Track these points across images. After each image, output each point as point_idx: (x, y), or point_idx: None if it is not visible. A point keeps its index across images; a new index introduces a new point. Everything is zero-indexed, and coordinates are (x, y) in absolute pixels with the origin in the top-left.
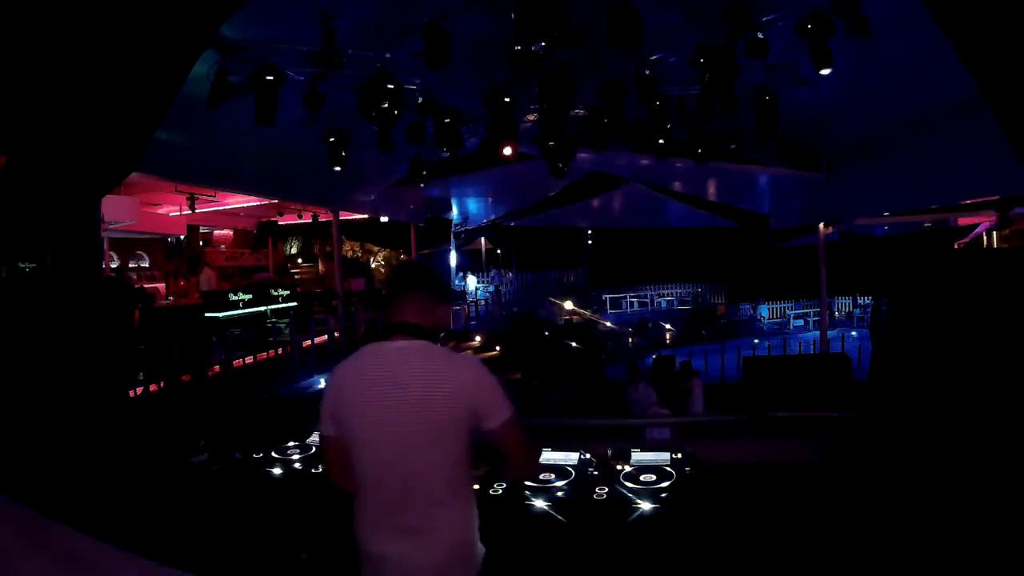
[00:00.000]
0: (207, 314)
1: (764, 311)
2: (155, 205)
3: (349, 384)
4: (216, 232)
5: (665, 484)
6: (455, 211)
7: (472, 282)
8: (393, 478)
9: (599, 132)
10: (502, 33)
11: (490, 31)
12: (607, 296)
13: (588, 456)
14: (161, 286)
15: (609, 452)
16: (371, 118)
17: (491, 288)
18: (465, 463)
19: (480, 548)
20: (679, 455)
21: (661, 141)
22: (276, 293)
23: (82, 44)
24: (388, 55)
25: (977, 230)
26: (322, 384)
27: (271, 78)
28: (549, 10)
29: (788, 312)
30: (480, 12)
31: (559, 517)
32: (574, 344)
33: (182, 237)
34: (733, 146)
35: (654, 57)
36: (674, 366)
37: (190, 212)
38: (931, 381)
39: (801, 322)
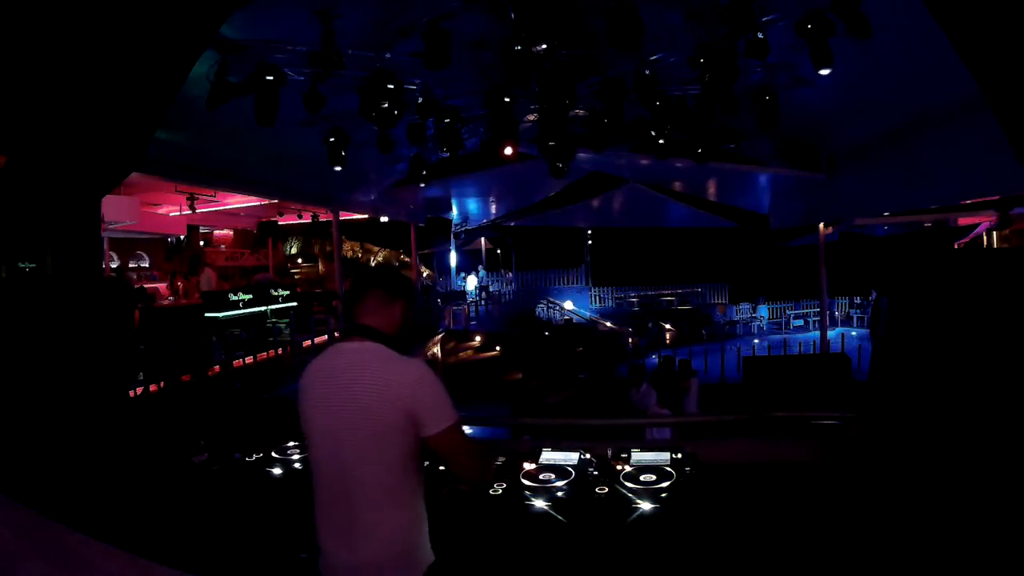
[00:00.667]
0: (207, 314)
1: (764, 311)
2: (155, 205)
3: (308, 384)
4: (216, 232)
5: (665, 484)
6: (455, 211)
7: (472, 282)
8: (338, 478)
9: (599, 132)
10: (502, 33)
11: (490, 31)
12: (607, 296)
13: (588, 456)
14: (161, 286)
15: (609, 452)
16: (371, 118)
17: (479, 286)
18: (410, 467)
19: (427, 554)
20: (679, 455)
21: (661, 141)
22: (276, 293)
23: (82, 44)
24: (388, 55)
25: (977, 230)
26: None
27: (271, 78)
28: (548, 11)
29: (788, 312)
30: (480, 12)
31: (559, 517)
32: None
33: (182, 237)
34: (733, 146)
35: (654, 57)
36: (674, 366)
37: (190, 212)
38: (931, 381)
39: (801, 322)
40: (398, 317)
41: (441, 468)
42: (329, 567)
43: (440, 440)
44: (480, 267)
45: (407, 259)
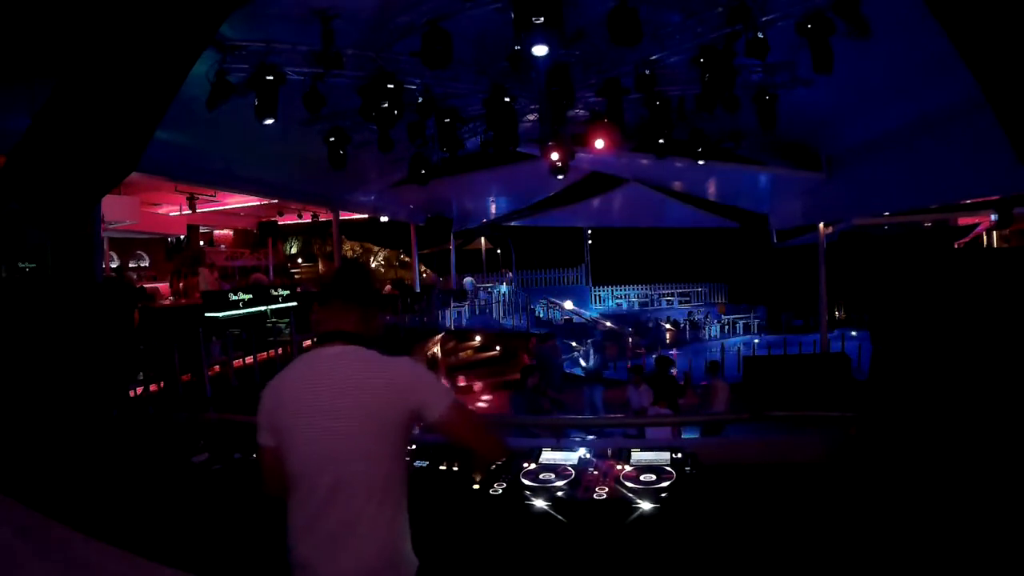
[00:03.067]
0: (207, 314)
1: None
2: (155, 205)
3: (288, 392)
4: (216, 232)
5: (665, 484)
6: (455, 211)
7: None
8: (326, 481)
9: (599, 132)
10: (502, 32)
11: (490, 30)
12: (607, 296)
13: (588, 456)
14: (161, 286)
15: (609, 452)
16: (371, 118)
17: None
18: (399, 468)
19: (412, 558)
20: (679, 455)
21: (661, 141)
22: (276, 293)
23: (82, 44)
24: (388, 55)
25: (977, 230)
26: None
27: (271, 78)
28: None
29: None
30: (480, 11)
31: (559, 517)
32: (574, 344)
33: (182, 237)
34: (733, 144)
35: (654, 57)
36: (674, 366)
37: (190, 212)
38: (931, 381)
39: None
40: (373, 319)
41: (441, 468)
42: None
43: (448, 418)
44: (467, 276)
45: (407, 259)
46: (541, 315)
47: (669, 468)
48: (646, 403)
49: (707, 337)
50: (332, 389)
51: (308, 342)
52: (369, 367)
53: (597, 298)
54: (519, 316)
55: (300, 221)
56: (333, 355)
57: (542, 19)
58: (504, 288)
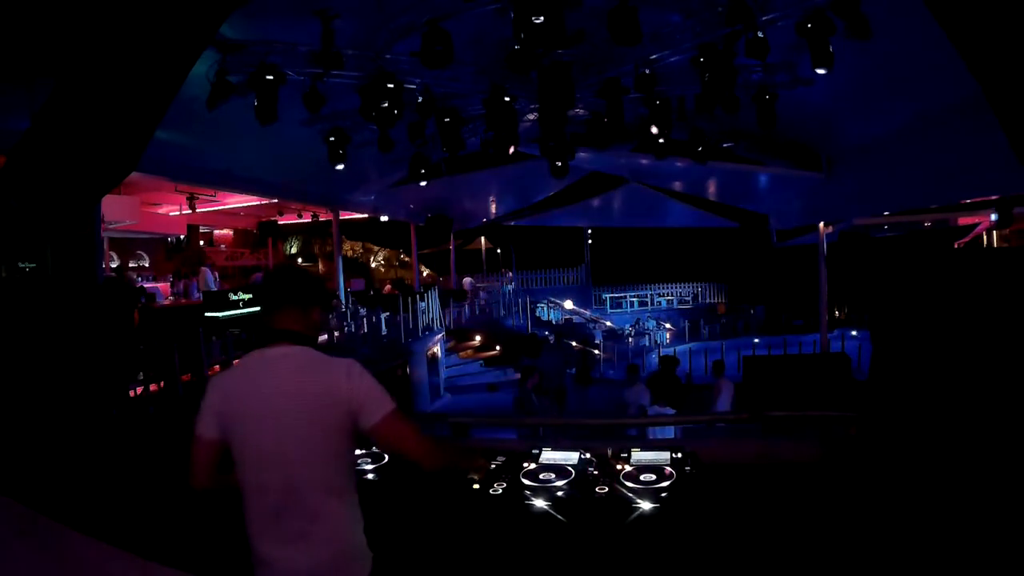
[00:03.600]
0: (207, 314)
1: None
2: (155, 205)
3: (237, 390)
4: (216, 232)
5: (665, 484)
6: (455, 211)
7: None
8: (277, 482)
9: (599, 132)
10: (502, 32)
11: (490, 30)
12: (607, 296)
13: (588, 456)
14: (161, 286)
15: (609, 452)
16: (371, 118)
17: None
18: (347, 466)
19: (367, 551)
20: (679, 454)
21: (661, 141)
22: None
23: (82, 44)
24: (388, 55)
25: (977, 230)
26: None
27: (271, 78)
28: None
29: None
30: (480, 11)
31: (559, 516)
32: (574, 344)
33: (182, 237)
34: (733, 144)
35: (654, 57)
36: (678, 365)
37: (190, 212)
38: (931, 381)
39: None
40: (316, 320)
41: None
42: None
43: (383, 428)
44: (467, 276)
45: (407, 259)
46: (542, 315)
47: (669, 468)
48: (644, 402)
49: (651, 345)
50: (275, 391)
51: None
52: (308, 371)
53: (597, 298)
54: (519, 316)
55: (300, 221)
56: (277, 356)
57: (542, 19)
58: (504, 288)
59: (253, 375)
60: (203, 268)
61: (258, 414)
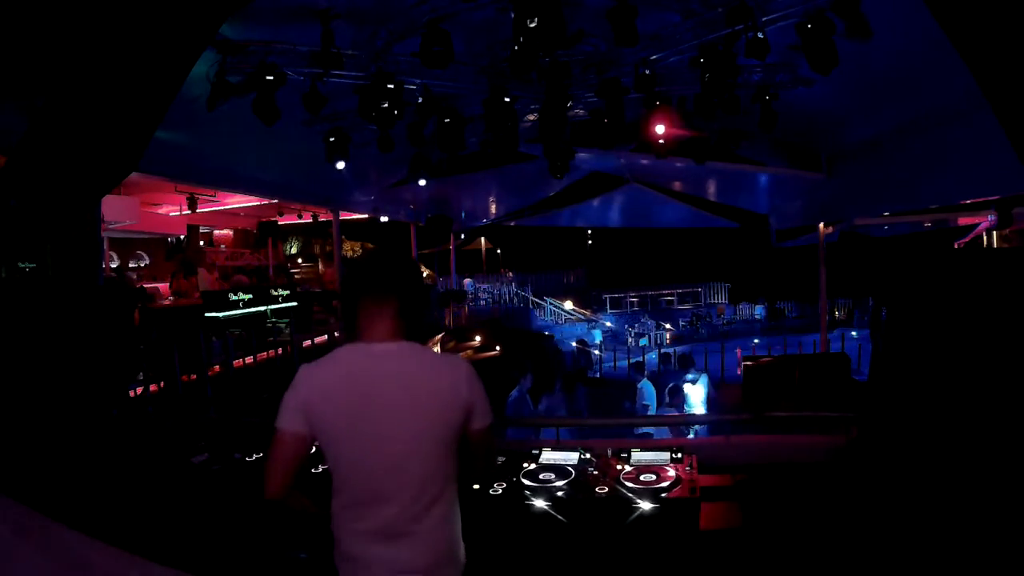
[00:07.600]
0: (207, 314)
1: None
2: (155, 205)
3: (336, 386)
4: (216, 232)
5: (665, 484)
6: (455, 211)
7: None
8: (383, 481)
9: (599, 132)
10: (503, 33)
11: (490, 30)
12: (607, 296)
13: (588, 456)
14: (161, 286)
15: (609, 452)
16: (371, 118)
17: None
18: (454, 465)
19: (463, 554)
20: (679, 454)
21: (662, 140)
22: (276, 293)
23: (82, 44)
24: (388, 55)
25: (977, 230)
26: None
27: (271, 78)
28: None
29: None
30: (480, 12)
31: (559, 517)
32: (574, 344)
33: (182, 237)
34: (732, 144)
35: (654, 57)
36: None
37: (190, 212)
38: (931, 381)
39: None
40: (421, 318)
41: None
42: (367, 573)
43: (481, 435)
44: (467, 277)
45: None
46: (541, 316)
47: (669, 468)
48: (650, 400)
49: (651, 345)
50: (391, 387)
51: (308, 342)
52: (427, 366)
53: (597, 298)
54: (519, 316)
55: (300, 221)
56: (387, 352)
57: (536, 21)
58: (505, 288)
59: (359, 371)
60: (201, 269)
61: (366, 411)
